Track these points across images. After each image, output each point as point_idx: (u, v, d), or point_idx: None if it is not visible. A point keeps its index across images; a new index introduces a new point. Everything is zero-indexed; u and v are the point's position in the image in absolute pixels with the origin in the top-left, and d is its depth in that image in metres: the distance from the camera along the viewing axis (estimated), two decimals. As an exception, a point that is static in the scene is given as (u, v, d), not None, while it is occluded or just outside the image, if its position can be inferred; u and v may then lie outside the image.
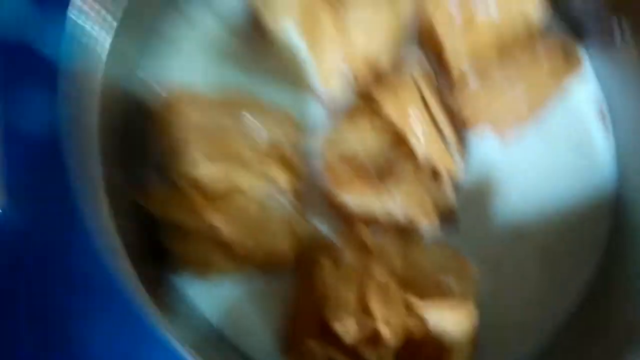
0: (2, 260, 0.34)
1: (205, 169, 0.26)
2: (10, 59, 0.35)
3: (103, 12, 0.27)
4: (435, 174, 0.31)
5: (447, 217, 0.30)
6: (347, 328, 0.25)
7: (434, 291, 0.26)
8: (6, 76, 0.35)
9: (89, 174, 0.25)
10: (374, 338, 0.25)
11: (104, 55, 0.27)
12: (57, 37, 0.33)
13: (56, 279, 0.33)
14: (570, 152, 0.32)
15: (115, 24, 0.27)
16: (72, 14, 0.26)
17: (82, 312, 0.33)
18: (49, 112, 0.33)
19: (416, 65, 0.31)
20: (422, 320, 0.25)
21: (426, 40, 0.33)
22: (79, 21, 0.26)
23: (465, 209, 0.31)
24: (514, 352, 0.30)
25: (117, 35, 0.27)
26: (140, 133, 0.31)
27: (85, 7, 0.26)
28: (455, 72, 0.31)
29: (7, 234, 0.33)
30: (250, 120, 0.28)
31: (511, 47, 0.31)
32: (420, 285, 0.27)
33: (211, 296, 0.30)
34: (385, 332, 0.25)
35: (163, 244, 0.29)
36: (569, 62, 0.31)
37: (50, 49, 0.34)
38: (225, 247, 0.28)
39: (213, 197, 0.27)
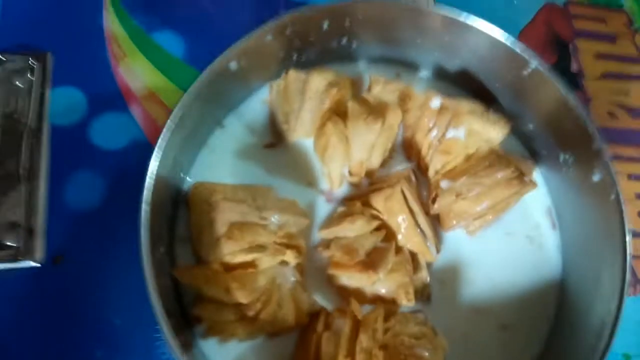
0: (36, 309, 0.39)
1: (238, 257, 0.34)
2: (67, 145, 0.43)
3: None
4: (414, 260, 0.38)
5: (422, 293, 0.38)
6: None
7: (410, 359, 0.33)
8: (62, 159, 0.42)
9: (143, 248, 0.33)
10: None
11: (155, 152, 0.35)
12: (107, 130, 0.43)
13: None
14: (523, 244, 0.40)
15: (166, 127, 0.35)
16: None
17: None
18: (94, 191, 0.42)
19: (403, 175, 0.39)
20: (398, 380, 0.32)
21: (410, 151, 0.41)
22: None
23: (437, 287, 0.38)
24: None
25: (168, 137, 0.36)
26: (172, 217, 0.39)
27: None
28: (432, 181, 0.40)
29: (45, 288, 0.39)
30: (268, 213, 0.36)
31: (477, 168, 0.38)
32: (398, 352, 0.34)
33: (223, 353, 0.36)
34: (368, 389, 0.32)
35: (191, 313, 0.36)
36: (525, 185, 0.38)
37: (101, 139, 0.43)
38: (242, 320, 0.35)
39: (232, 268, 0.35)
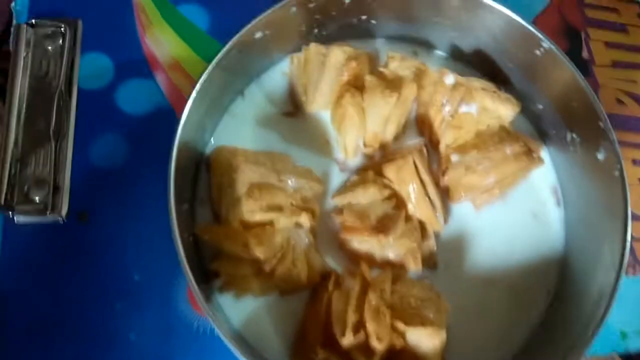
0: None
1: (257, 215, 0.36)
2: (94, 108, 0.45)
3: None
4: (422, 229, 0.40)
5: (429, 260, 0.40)
6: (347, 339, 0.33)
7: (415, 319, 0.35)
8: (89, 121, 0.44)
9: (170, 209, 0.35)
10: (366, 347, 0.34)
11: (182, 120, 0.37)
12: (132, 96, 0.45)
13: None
14: (528, 220, 0.42)
15: (191, 98, 0.37)
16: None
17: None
18: (118, 153, 0.44)
19: (415, 146, 0.41)
20: (404, 337, 0.34)
21: (422, 127, 0.43)
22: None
23: (443, 256, 0.40)
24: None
25: (192, 106, 0.38)
26: (193, 179, 0.41)
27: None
28: (443, 154, 0.41)
29: (72, 241, 0.41)
30: (286, 176, 0.38)
31: (487, 143, 0.40)
32: (404, 313, 0.35)
33: (238, 308, 0.38)
34: (375, 343, 0.33)
35: (210, 268, 0.38)
36: (533, 161, 0.40)
37: (126, 104, 0.45)
38: (258, 275, 0.37)
39: (250, 226, 0.37)
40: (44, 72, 0.45)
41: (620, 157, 0.36)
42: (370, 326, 0.33)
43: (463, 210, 0.42)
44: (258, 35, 0.39)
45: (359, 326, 0.34)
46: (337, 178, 0.42)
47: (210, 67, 0.37)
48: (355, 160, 0.42)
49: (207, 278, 0.38)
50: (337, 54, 0.41)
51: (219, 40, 0.47)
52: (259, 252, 0.35)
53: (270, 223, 0.37)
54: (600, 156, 0.38)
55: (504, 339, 0.39)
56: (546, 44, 0.38)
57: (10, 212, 0.41)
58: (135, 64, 0.46)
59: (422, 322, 0.35)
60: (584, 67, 0.50)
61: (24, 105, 0.44)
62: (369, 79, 0.40)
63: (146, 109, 0.45)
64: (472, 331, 0.38)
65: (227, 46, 0.38)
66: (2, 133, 0.43)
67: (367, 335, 0.33)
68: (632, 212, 0.46)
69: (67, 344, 0.39)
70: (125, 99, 0.45)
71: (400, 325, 0.34)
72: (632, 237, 0.45)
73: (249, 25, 0.38)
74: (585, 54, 0.51)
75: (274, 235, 0.36)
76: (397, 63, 0.42)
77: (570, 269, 0.40)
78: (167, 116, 0.44)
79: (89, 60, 0.46)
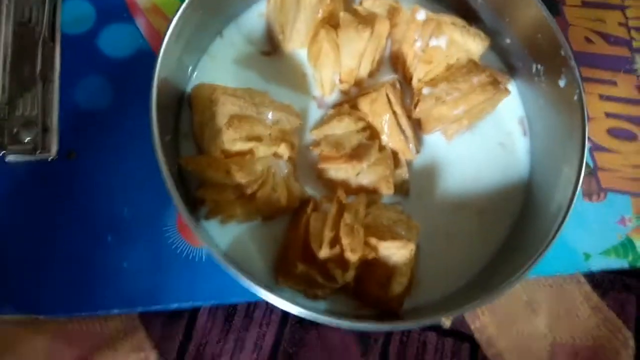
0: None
1: (237, 145, 0.38)
2: (77, 52, 0.46)
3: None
4: (395, 158, 0.42)
5: (401, 188, 0.42)
6: (323, 251, 0.36)
7: (387, 235, 0.37)
8: (73, 65, 0.46)
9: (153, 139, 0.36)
10: (341, 259, 0.36)
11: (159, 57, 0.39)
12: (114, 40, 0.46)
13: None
14: (496, 149, 0.44)
15: (167, 35, 0.38)
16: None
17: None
18: (103, 94, 0.45)
19: (389, 82, 0.43)
20: (376, 250, 0.37)
21: (396, 63, 0.45)
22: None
23: (416, 184, 0.42)
24: (447, 285, 0.40)
25: (168, 43, 0.39)
26: (176, 115, 0.43)
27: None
28: (415, 89, 0.43)
29: (62, 179, 0.43)
30: (264, 109, 0.40)
31: (456, 75, 0.42)
32: (377, 230, 0.38)
33: (223, 234, 0.40)
34: (349, 255, 0.36)
35: (195, 196, 0.40)
36: (499, 91, 0.42)
37: (108, 47, 0.46)
38: (241, 199, 0.39)
39: (231, 155, 0.38)
40: (27, 19, 0.46)
41: (579, 81, 0.38)
42: (345, 240, 0.36)
43: (435, 141, 0.44)
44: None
45: (335, 242, 0.36)
46: (314, 114, 0.44)
47: (184, 4, 0.38)
48: (332, 97, 0.44)
49: (193, 208, 0.41)
50: (312, -9, 0.42)
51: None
52: (240, 177, 0.37)
53: (251, 152, 0.38)
54: (562, 83, 0.40)
55: (471, 258, 0.41)
56: (512, -23, 0.40)
57: (2, 152, 0.43)
58: (116, 8, 0.47)
59: (393, 237, 0.37)
60: (554, 6, 0.52)
61: (9, 52, 0.46)
62: (343, 15, 0.42)
63: (127, 52, 0.46)
64: (441, 252, 0.41)
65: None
66: (-11, 79, 0.45)
67: (342, 249, 0.36)
68: (596, 143, 0.49)
69: (62, 273, 0.42)
70: (107, 42, 0.46)
71: (372, 240, 0.36)
72: (595, 165, 0.48)
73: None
74: (555, -6, 0.52)
75: (255, 163, 0.38)
76: (371, 1, 0.44)
77: (533, 193, 0.42)
78: (148, 58, 0.45)
79: (70, 6, 0.47)
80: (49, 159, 0.44)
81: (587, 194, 0.47)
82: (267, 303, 0.37)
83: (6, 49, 0.46)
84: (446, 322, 0.36)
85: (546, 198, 0.40)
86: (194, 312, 0.44)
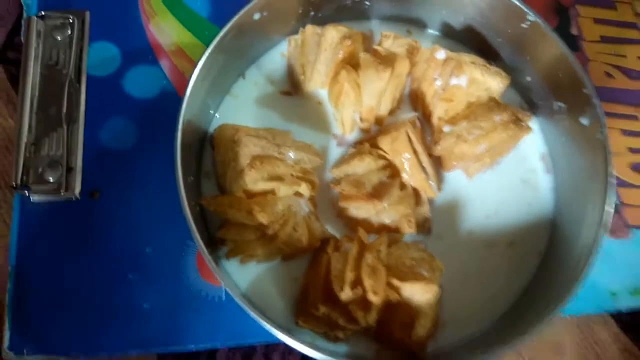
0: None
1: (259, 185, 0.38)
2: (103, 93, 0.47)
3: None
4: (417, 196, 0.42)
5: (423, 226, 0.42)
6: (345, 293, 0.35)
7: (409, 276, 0.37)
8: (98, 106, 0.47)
9: (177, 180, 0.37)
10: (363, 302, 0.36)
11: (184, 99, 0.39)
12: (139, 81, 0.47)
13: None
14: (519, 186, 0.43)
15: (192, 78, 0.39)
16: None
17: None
18: (127, 135, 0.46)
19: (409, 120, 0.43)
20: (399, 292, 0.36)
21: (416, 101, 0.45)
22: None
23: (437, 222, 0.42)
24: (471, 327, 0.39)
25: (194, 86, 0.40)
26: (199, 155, 0.43)
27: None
28: (435, 126, 0.43)
29: (85, 218, 0.44)
30: (286, 149, 0.40)
31: (477, 113, 0.42)
32: (399, 271, 0.37)
33: (243, 274, 0.40)
34: (372, 297, 0.35)
35: (216, 236, 0.40)
36: (522, 129, 0.42)
37: (133, 89, 0.47)
38: (262, 239, 0.39)
39: (253, 195, 0.39)
40: (54, 61, 0.48)
41: (602, 119, 0.38)
42: (367, 282, 0.35)
43: (456, 178, 0.44)
44: (256, 16, 0.41)
45: (357, 283, 0.36)
46: (335, 152, 0.44)
47: (210, 49, 0.39)
48: (352, 135, 0.45)
49: (214, 248, 0.41)
50: (332, 33, 0.43)
51: (219, 26, 0.49)
52: (262, 217, 0.37)
53: (272, 192, 0.39)
54: (585, 121, 0.39)
55: (496, 299, 0.40)
56: (532, 17, 0.40)
57: (27, 192, 0.44)
58: (141, 51, 0.49)
59: (416, 278, 0.36)
60: (573, 42, 0.52)
61: (37, 93, 0.47)
62: (363, 56, 0.42)
63: (152, 93, 0.47)
64: (466, 292, 0.40)
65: (226, 27, 0.40)
66: (17, 119, 0.46)
67: (364, 291, 0.35)
68: (620, 179, 0.48)
69: (82, 313, 0.42)
70: (132, 84, 0.48)
71: (395, 282, 0.36)
72: (620, 202, 0.47)
73: (247, 7, 0.40)
74: (574, 29, 0.52)
75: (276, 202, 0.38)
76: (391, 41, 0.44)
77: (559, 231, 0.42)
78: (172, 98, 0.47)
79: (97, 49, 0.49)
80: (73, 199, 0.44)
81: (612, 231, 0.46)
82: (285, 344, 0.36)
83: (34, 90, 0.47)
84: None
85: (572, 237, 0.39)
86: (212, 353, 0.44)
